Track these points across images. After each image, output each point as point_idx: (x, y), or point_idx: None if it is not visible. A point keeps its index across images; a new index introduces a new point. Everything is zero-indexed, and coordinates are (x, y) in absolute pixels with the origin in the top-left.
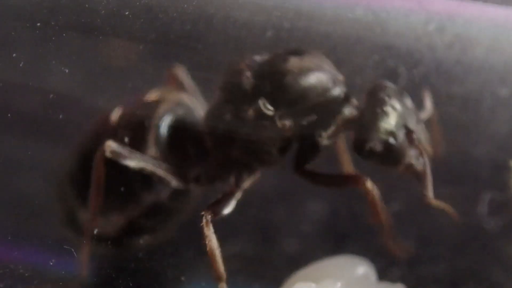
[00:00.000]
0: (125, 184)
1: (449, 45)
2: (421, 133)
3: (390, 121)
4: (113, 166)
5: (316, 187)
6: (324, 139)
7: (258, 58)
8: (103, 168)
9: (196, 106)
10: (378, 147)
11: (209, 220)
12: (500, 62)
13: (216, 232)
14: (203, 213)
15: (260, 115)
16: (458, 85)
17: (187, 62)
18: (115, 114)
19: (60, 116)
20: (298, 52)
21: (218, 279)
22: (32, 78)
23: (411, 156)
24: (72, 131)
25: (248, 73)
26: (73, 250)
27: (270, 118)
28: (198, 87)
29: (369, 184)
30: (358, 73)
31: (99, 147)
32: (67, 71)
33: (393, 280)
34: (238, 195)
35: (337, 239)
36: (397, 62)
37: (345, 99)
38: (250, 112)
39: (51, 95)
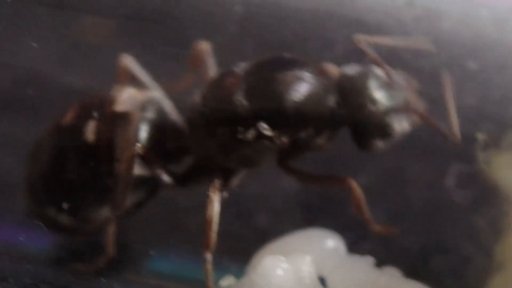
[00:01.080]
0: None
1: (418, 19)
2: (409, 98)
3: (384, 110)
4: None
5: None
6: (317, 143)
7: (244, 71)
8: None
9: (164, 102)
10: (381, 139)
11: (218, 186)
12: (468, 36)
13: (186, 205)
14: (214, 178)
15: (259, 137)
16: (426, 59)
17: (157, 37)
18: (90, 129)
19: (30, 92)
20: (284, 64)
21: (207, 247)
22: (2, 54)
23: (410, 121)
24: (43, 107)
25: (239, 94)
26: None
27: (269, 139)
28: (168, 62)
29: (354, 184)
30: (328, 47)
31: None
32: (35, 45)
33: (362, 253)
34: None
35: (307, 213)
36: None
37: (337, 102)
38: (249, 135)
39: (21, 71)
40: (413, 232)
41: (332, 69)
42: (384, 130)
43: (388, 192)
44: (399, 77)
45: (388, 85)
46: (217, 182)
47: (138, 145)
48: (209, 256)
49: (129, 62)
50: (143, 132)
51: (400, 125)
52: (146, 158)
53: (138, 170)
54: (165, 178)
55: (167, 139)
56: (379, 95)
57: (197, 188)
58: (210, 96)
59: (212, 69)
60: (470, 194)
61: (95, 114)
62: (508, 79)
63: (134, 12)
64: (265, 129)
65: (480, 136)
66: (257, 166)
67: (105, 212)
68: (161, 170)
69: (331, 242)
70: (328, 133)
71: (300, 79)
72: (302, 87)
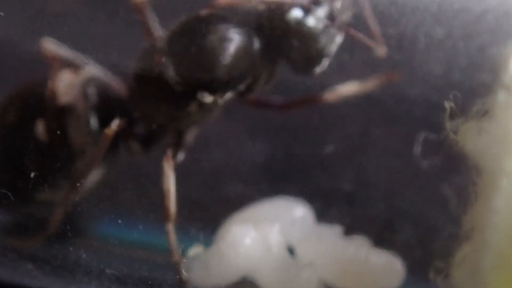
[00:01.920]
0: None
1: None
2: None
3: (309, 33)
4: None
5: (253, 130)
6: (261, 84)
7: (166, 44)
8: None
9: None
10: (317, 61)
11: (171, 155)
12: (434, 3)
13: (152, 173)
14: (165, 149)
15: (202, 105)
16: (392, 26)
17: (122, 4)
18: (40, 130)
19: None
20: (200, 25)
21: (167, 218)
22: None
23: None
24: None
25: (169, 71)
26: (9, 194)
27: (212, 103)
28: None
29: (327, 96)
30: None
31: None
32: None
33: (330, 221)
34: (184, 148)
35: (274, 181)
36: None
37: (264, 42)
38: (192, 107)
39: None
40: (380, 201)
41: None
42: (316, 52)
43: (354, 160)
44: None
45: (307, 7)
46: (169, 152)
47: (115, 125)
48: (170, 227)
49: (51, 45)
50: (94, 114)
51: (330, 41)
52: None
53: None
54: (134, 146)
55: (117, 111)
56: (300, 20)
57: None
58: (142, 77)
59: (151, 22)
60: (437, 163)
61: (40, 111)
62: (474, 47)
63: None
64: (206, 97)
65: (448, 105)
66: (210, 121)
67: (61, 194)
68: (130, 140)
69: (299, 211)
70: (268, 71)
71: (221, 37)
72: (226, 45)
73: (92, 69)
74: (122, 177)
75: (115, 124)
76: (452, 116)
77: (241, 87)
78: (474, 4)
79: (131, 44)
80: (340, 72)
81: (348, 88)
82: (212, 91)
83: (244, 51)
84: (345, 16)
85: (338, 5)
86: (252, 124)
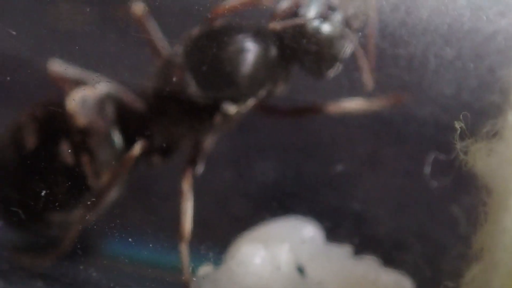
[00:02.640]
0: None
1: (394, 7)
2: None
3: (323, 38)
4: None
5: (263, 149)
6: (278, 88)
7: (184, 58)
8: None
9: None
10: (330, 64)
11: (190, 175)
12: (444, 24)
13: (162, 191)
14: (184, 168)
15: (226, 116)
16: (402, 47)
17: (133, 24)
18: (65, 152)
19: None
20: (218, 38)
21: (182, 238)
22: None
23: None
24: (20, 93)
25: (191, 86)
26: (20, 212)
27: (237, 112)
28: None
29: (331, 107)
30: None
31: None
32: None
33: (340, 241)
34: (205, 155)
35: (284, 200)
36: None
37: (280, 48)
38: (217, 119)
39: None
40: (389, 220)
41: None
42: (330, 57)
43: (364, 179)
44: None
45: (322, 13)
46: (188, 171)
47: (137, 147)
48: (184, 246)
49: (58, 67)
50: (116, 131)
51: (344, 46)
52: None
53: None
54: (155, 160)
55: (137, 127)
56: (314, 27)
57: (173, 175)
58: (163, 94)
59: (154, 32)
60: (447, 183)
61: (62, 135)
62: (484, 68)
63: None
64: (230, 108)
65: (457, 125)
66: (232, 128)
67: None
68: (151, 156)
69: (308, 231)
70: (285, 75)
71: (240, 48)
72: (246, 55)
73: (106, 85)
74: (132, 195)
75: (138, 146)
76: (462, 136)
77: (262, 93)
78: (484, 25)
79: (141, 62)
80: (350, 90)
81: (354, 104)
82: (235, 101)
83: (263, 59)
84: (359, 22)
85: (352, 11)
86: (262, 143)
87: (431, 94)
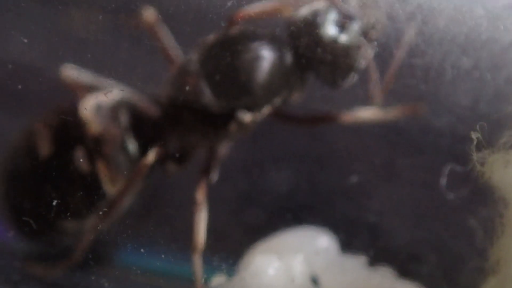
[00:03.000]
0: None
1: (410, 16)
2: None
3: (340, 48)
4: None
5: (277, 158)
6: (294, 96)
7: (199, 65)
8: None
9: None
10: (345, 74)
11: (205, 184)
12: (461, 33)
13: (174, 202)
14: (199, 176)
15: (241, 123)
16: (419, 57)
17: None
18: (80, 159)
19: (20, 87)
20: (233, 45)
21: (195, 249)
22: None
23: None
24: (32, 101)
25: (205, 94)
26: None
27: (252, 120)
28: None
29: (345, 116)
30: None
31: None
32: (26, 41)
33: (354, 252)
34: (220, 161)
35: (298, 211)
36: None
37: (295, 55)
38: (232, 127)
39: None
40: (405, 231)
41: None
42: (346, 66)
43: (379, 190)
44: (354, 8)
45: (339, 22)
46: (202, 182)
47: (151, 154)
48: (197, 257)
49: (72, 72)
50: (130, 137)
51: (361, 56)
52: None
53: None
54: (170, 168)
55: (149, 133)
56: (331, 36)
57: (186, 184)
58: (178, 101)
59: (166, 39)
60: (464, 194)
61: (77, 142)
62: (501, 78)
63: (123, 6)
64: (245, 115)
65: (474, 136)
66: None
67: (91, 221)
68: (166, 163)
69: (322, 241)
70: (301, 83)
71: (256, 55)
72: (262, 62)
73: (120, 92)
74: (145, 205)
75: (152, 154)
76: (479, 147)
77: (278, 101)
78: (502, 35)
79: (154, 71)
80: (367, 99)
81: (369, 113)
82: (251, 108)
83: (278, 67)
84: (376, 33)
85: (369, 21)
86: (276, 152)
87: (448, 104)
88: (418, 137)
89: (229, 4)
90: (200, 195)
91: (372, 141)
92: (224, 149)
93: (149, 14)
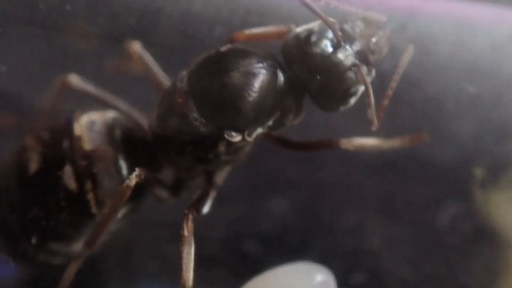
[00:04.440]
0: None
1: (411, 43)
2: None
3: (335, 73)
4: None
5: (274, 187)
6: (290, 118)
7: (187, 84)
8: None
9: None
10: (343, 99)
11: (192, 219)
12: (463, 63)
13: (166, 233)
14: (186, 211)
15: (230, 144)
16: (419, 89)
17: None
18: (68, 176)
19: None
20: (223, 63)
21: (183, 285)
22: None
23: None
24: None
25: (193, 112)
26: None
27: (241, 141)
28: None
29: (343, 142)
30: None
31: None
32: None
33: (354, 285)
34: (214, 192)
35: (297, 239)
36: None
37: (291, 77)
38: (220, 147)
39: None
40: (405, 269)
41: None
42: (341, 90)
43: (379, 225)
44: (351, 27)
45: (336, 43)
46: (190, 213)
47: (134, 176)
48: None
49: (76, 80)
50: (122, 158)
51: (358, 81)
52: (142, 183)
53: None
54: (161, 193)
55: (142, 155)
56: (323, 56)
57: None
58: (165, 120)
59: (154, 68)
60: (465, 233)
61: (67, 158)
62: (506, 110)
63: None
64: (233, 136)
65: (478, 172)
66: (241, 160)
67: (78, 247)
68: (156, 188)
69: (320, 277)
70: (295, 105)
71: (245, 73)
72: (251, 80)
73: (117, 108)
74: (135, 234)
75: (134, 175)
76: (482, 184)
77: (269, 123)
78: (506, 65)
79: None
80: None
81: (368, 141)
82: (240, 129)
83: (269, 87)
84: (377, 57)
85: (371, 44)
86: (272, 181)
87: (450, 138)
88: (419, 171)
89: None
90: (187, 228)
91: (372, 174)
92: (218, 179)
93: (134, 46)
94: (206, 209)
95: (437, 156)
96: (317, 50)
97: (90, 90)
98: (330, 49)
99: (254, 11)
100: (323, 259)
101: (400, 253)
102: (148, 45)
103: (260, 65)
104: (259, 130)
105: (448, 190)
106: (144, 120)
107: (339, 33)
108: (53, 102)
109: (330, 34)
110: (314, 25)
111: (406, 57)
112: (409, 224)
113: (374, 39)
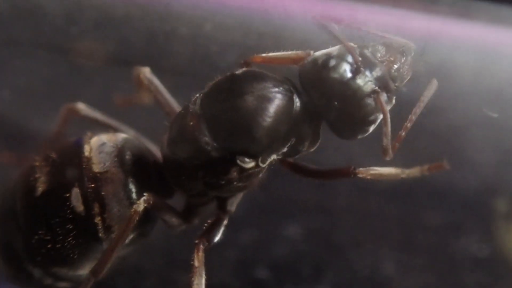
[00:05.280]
0: None
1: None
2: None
3: (354, 99)
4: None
5: (291, 213)
6: (305, 145)
7: (200, 106)
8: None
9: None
10: (361, 128)
11: (203, 248)
12: (486, 90)
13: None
14: (197, 241)
15: (242, 170)
16: (440, 117)
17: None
18: (75, 198)
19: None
20: (237, 86)
21: None
22: None
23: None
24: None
25: (205, 136)
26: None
27: (254, 167)
28: None
29: (359, 171)
30: None
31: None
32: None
33: None
34: (225, 219)
35: (310, 264)
36: None
37: (306, 104)
38: (233, 173)
39: None
40: None
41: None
42: (359, 118)
43: (397, 252)
44: (372, 52)
45: (355, 69)
46: (200, 242)
47: (142, 201)
48: None
49: (83, 109)
50: (132, 182)
51: (377, 108)
52: (152, 209)
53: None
54: (171, 220)
55: (153, 180)
56: (341, 81)
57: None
58: (177, 143)
59: (164, 94)
60: (483, 264)
61: (75, 179)
62: None
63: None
64: (246, 162)
65: (500, 203)
66: (254, 187)
67: (84, 272)
68: (166, 214)
69: None
70: (312, 132)
71: (259, 97)
72: (265, 105)
73: (126, 132)
74: (144, 261)
75: (142, 200)
76: (505, 215)
77: (284, 149)
78: None
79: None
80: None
81: (386, 170)
82: (253, 155)
83: (285, 112)
84: (399, 84)
85: (393, 70)
86: (287, 205)
87: (470, 165)
88: (437, 199)
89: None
90: (198, 258)
91: (388, 200)
92: (230, 205)
93: (143, 71)
94: (217, 238)
95: (457, 184)
96: (335, 75)
97: (97, 118)
98: (349, 75)
99: (268, 33)
100: (339, 280)
101: (416, 282)
102: (157, 69)
103: (276, 89)
104: (273, 157)
105: (467, 219)
106: (153, 146)
107: (359, 58)
108: (59, 130)
109: (349, 59)
110: (334, 49)
111: (429, 91)
112: (426, 252)
113: (395, 66)
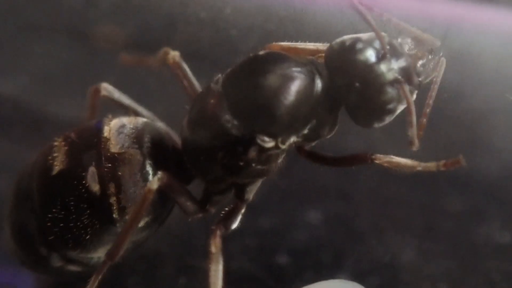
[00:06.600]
0: None
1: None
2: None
3: (378, 85)
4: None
5: (311, 200)
6: (325, 129)
7: (222, 85)
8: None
9: (157, 125)
10: (380, 116)
11: (220, 235)
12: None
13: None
14: (213, 227)
15: (263, 150)
16: (461, 102)
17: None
18: (91, 178)
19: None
20: (261, 65)
21: None
22: None
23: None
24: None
25: (226, 114)
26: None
27: (273, 147)
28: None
29: (377, 157)
30: None
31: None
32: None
33: None
34: (243, 207)
35: (330, 251)
36: None
37: (329, 85)
38: (252, 152)
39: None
40: (444, 285)
41: (316, 50)
42: (379, 105)
43: (418, 239)
44: (401, 44)
45: (381, 55)
46: (218, 229)
47: (155, 179)
48: None
49: (109, 90)
50: (149, 164)
51: (398, 98)
52: (166, 189)
53: (152, 207)
54: (187, 205)
55: (171, 164)
56: (366, 64)
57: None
58: (197, 123)
59: (189, 79)
60: (506, 249)
61: (92, 159)
62: None
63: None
64: (266, 141)
65: None
66: (273, 172)
67: (96, 256)
68: (182, 197)
69: None
70: (331, 116)
71: (281, 76)
72: (288, 85)
73: (147, 117)
74: (161, 248)
75: (156, 178)
76: None
77: (304, 131)
78: None
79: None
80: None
81: (403, 161)
82: (273, 134)
83: (306, 92)
84: (422, 80)
85: (418, 65)
86: (307, 191)
87: (492, 151)
88: (459, 184)
89: None
90: (215, 245)
91: (409, 186)
92: (248, 193)
93: (173, 55)
94: (235, 225)
95: (479, 171)
96: (360, 57)
97: (122, 100)
98: (374, 59)
99: (288, 17)
100: (358, 275)
101: (438, 268)
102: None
103: (299, 69)
104: (293, 138)
105: (488, 205)
106: (173, 133)
107: (387, 46)
108: (91, 112)
109: (377, 45)
110: (363, 34)
111: (440, 71)
112: (448, 239)
113: (422, 61)
